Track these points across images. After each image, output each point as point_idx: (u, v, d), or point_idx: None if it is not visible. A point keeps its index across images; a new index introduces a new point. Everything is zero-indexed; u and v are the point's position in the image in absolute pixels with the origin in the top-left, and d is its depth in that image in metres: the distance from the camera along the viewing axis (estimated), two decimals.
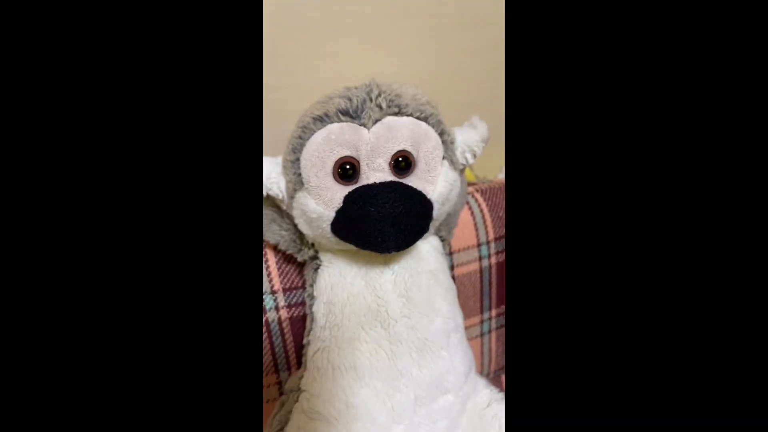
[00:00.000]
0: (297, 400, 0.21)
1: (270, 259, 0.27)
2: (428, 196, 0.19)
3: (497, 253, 0.32)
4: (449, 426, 0.21)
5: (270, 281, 0.27)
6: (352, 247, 0.20)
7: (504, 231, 0.32)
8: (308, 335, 0.22)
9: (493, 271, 0.33)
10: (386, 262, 0.21)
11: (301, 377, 0.22)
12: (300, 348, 0.28)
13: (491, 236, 0.32)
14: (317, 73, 0.46)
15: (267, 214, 0.24)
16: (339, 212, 0.18)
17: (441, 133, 0.20)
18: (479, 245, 0.31)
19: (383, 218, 0.18)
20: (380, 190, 0.18)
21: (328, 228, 0.19)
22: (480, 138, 0.21)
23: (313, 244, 0.22)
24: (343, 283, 0.21)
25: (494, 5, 0.51)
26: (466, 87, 0.54)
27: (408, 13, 0.48)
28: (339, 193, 0.19)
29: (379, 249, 0.18)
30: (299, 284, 0.28)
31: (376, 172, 0.19)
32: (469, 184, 0.34)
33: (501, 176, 0.54)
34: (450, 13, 0.50)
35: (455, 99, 0.53)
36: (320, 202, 0.19)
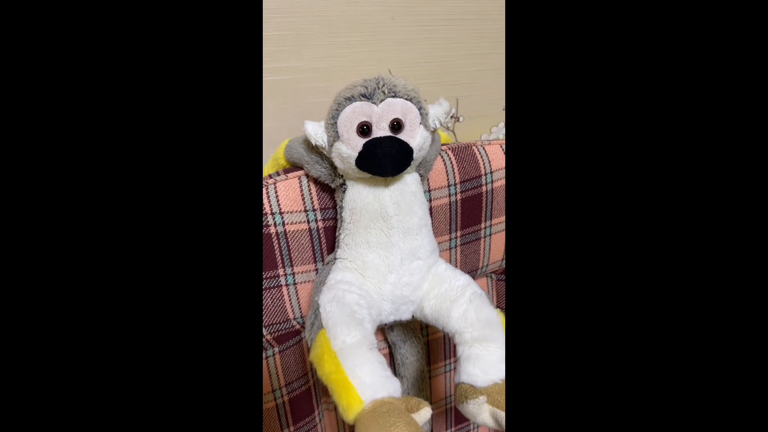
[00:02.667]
0: (334, 263, 0.36)
1: (312, 188, 0.41)
2: (410, 145, 0.32)
3: (461, 192, 0.46)
4: (420, 278, 0.36)
5: (312, 202, 0.41)
6: (366, 175, 0.34)
7: (465, 176, 0.46)
8: (339, 230, 0.37)
9: (458, 204, 0.46)
10: (386, 184, 0.35)
11: (336, 252, 0.37)
12: (330, 246, 0.43)
13: (457, 180, 0.45)
14: (334, 58, 0.58)
15: (313, 157, 0.38)
16: (360, 153, 0.32)
17: (420, 108, 0.33)
18: (448, 186, 0.45)
19: (385, 156, 0.31)
20: (383, 140, 0.31)
21: (354, 163, 0.33)
22: (443, 111, 0.35)
23: (342, 175, 0.36)
24: (361, 197, 0.35)
25: (475, 4, 0.63)
26: (450, 70, 0.66)
27: (406, 10, 0.59)
28: (360, 142, 0.32)
29: (382, 174, 0.32)
30: (330, 205, 0.41)
31: (381, 131, 0.32)
32: (444, 144, 0.48)
33: (478, 141, 0.66)
34: (439, 10, 0.61)
35: (442, 79, 0.67)
36: (349, 148, 0.33)
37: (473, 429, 0.60)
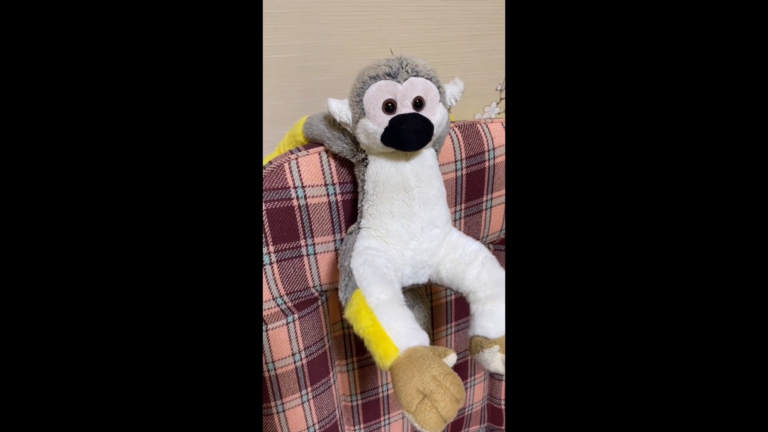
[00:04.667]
0: (359, 232, 0.39)
1: (332, 163, 0.43)
2: (431, 121, 0.35)
3: (466, 167, 0.49)
4: (437, 245, 0.39)
5: (331, 177, 0.43)
6: (389, 149, 0.36)
7: (470, 152, 0.49)
8: (362, 201, 0.39)
9: (464, 179, 0.50)
10: (407, 159, 0.37)
11: (359, 222, 0.40)
12: (348, 218, 0.45)
13: (463, 156, 0.48)
14: (337, 36, 0.59)
15: (334, 134, 0.40)
16: (386, 129, 0.34)
17: (438, 87, 0.36)
18: (455, 161, 0.48)
19: (409, 131, 0.34)
20: (408, 117, 0.34)
21: (379, 138, 0.35)
22: (459, 90, 0.38)
23: (364, 150, 0.39)
24: (383, 171, 0.37)
25: None
26: (447, 51, 0.69)
27: None
28: (386, 119, 0.34)
29: (407, 148, 0.35)
30: (348, 179, 0.44)
31: (405, 108, 0.35)
32: (451, 122, 0.51)
33: (482, 119, 0.69)
34: None
35: (439, 59, 0.69)
36: (375, 124, 0.35)
37: (470, 387, 0.65)
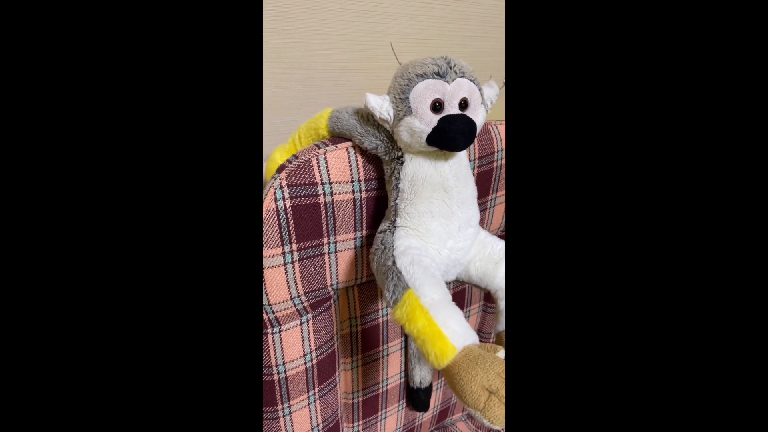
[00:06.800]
0: (395, 231, 0.38)
1: (359, 159, 0.42)
2: (475, 123, 0.36)
3: (478, 167, 0.51)
4: (470, 243, 0.40)
5: (358, 173, 0.42)
6: (431, 149, 0.36)
7: (482, 153, 0.51)
8: (397, 199, 0.39)
9: (475, 179, 0.52)
10: (446, 158, 0.38)
11: (394, 221, 0.39)
12: (370, 216, 0.44)
13: (476, 155, 0.50)
14: (343, 25, 0.57)
15: (368, 129, 0.39)
16: (434, 129, 0.34)
17: (479, 89, 0.37)
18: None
19: (459, 132, 0.34)
20: (457, 118, 0.34)
21: (425, 138, 0.35)
22: (495, 93, 0.39)
23: (400, 148, 0.38)
24: (422, 170, 0.37)
25: None
26: (443, 50, 0.69)
27: None
28: (434, 118, 0.34)
29: (454, 149, 0.35)
30: (373, 176, 0.43)
31: (452, 108, 0.35)
32: None
33: (492, 120, 0.70)
34: None
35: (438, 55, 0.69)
36: (423, 123, 0.34)
37: None
